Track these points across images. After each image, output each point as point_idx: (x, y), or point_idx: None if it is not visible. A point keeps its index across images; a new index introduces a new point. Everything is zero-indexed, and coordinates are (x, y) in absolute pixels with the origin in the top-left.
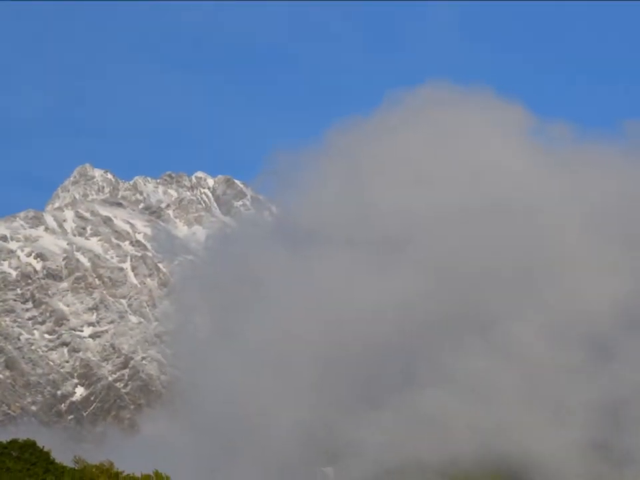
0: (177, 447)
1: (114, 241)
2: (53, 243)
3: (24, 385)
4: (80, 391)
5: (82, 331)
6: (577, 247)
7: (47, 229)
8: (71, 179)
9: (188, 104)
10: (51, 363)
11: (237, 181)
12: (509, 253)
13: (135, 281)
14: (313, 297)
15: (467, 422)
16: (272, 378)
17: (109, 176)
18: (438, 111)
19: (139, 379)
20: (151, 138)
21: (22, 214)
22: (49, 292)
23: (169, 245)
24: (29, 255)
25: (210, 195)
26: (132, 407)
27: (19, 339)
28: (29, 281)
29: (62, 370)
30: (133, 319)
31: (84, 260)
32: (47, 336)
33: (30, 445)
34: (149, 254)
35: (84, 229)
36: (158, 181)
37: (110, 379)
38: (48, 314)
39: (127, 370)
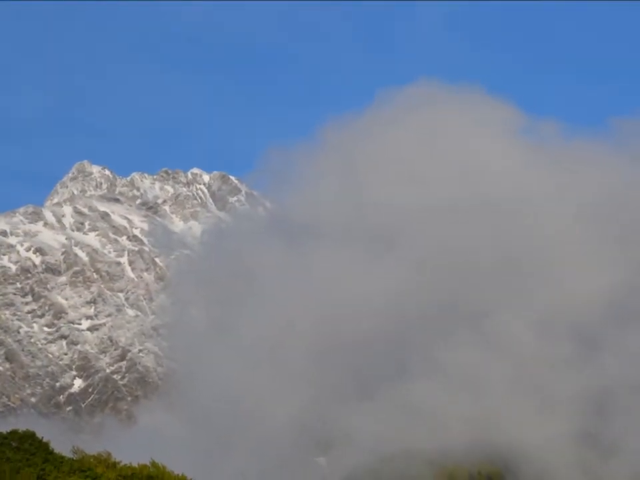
0: (173, 438)
1: (111, 235)
2: (51, 238)
3: (23, 377)
4: (78, 383)
5: (80, 324)
6: (564, 241)
7: (45, 224)
8: (70, 175)
9: (184, 102)
10: (50, 356)
11: (231, 177)
12: (499, 247)
13: (132, 275)
14: (306, 291)
15: (458, 412)
16: (266, 370)
17: (107, 172)
18: (429, 109)
19: (136, 371)
20: (148, 135)
21: (21, 209)
22: (48, 286)
23: (166, 240)
24: (28, 249)
25: (205, 190)
26: (129, 398)
27: (18, 332)
28: (29, 275)
29: (61, 362)
30: (130, 312)
31: (82, 254)
32: (45, 329)
33: (29, 436)
34: (146, 248)
35: (82, 224)
36: (154, 177)
37: (108, 371)
38: (47, 307)
39: (125, 362)
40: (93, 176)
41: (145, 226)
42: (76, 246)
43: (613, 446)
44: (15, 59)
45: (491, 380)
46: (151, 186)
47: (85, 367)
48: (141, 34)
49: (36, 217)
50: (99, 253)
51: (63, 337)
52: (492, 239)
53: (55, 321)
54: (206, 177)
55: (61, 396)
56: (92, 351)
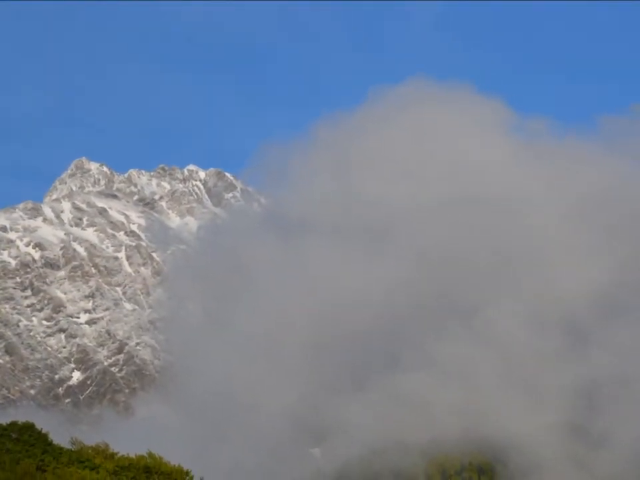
0: (169, 429)
1: (109, 231)
2: (50, 233)
3: (23, 370)
4: (77, 375)
5: (78, 318)
6: (554, 236)
7: (45, 219)
8: (68, 171)
9: (181, 100)
10: (49, 349)
11: (227, 174)
12: (489, 242)
13: (129, 269)
14: (301, 285)
15: (449, 404)
16: (261, 362)
17: (105, 169)
18: (421, 107)
19: (134, 364)
20: (145, 132)
21: (21, 205)
22: (47, 280)
23: (162, 235)
24: (27, 244)
25: (201, 187)
26: (126, 390)
27: (18, 326)
28: (28, 269)
29: (59, 355)
30: (128, 306)
31: (80, 249)
32: (45, 322)
33: (29, 427)
34: (143, 244)
35: (80, 219)
36: (151, 173)
37: (105, 363)
38: (46, 301)
39: (122, 355)
40: (91, 172)
41: (142, 221)
42: (74, 241)
43: (601, 437)
44: (15, 58)
45: (482, 372)
46: (147, 182)
47: (83, 360)
48: (139, 33)
49: (35, 212)
50: (97, 248)
51: (62, 330)
52: (483, 235)
53: (54, 315)
54: (202, 174)
55: (60, 388)
56: (90, 344)
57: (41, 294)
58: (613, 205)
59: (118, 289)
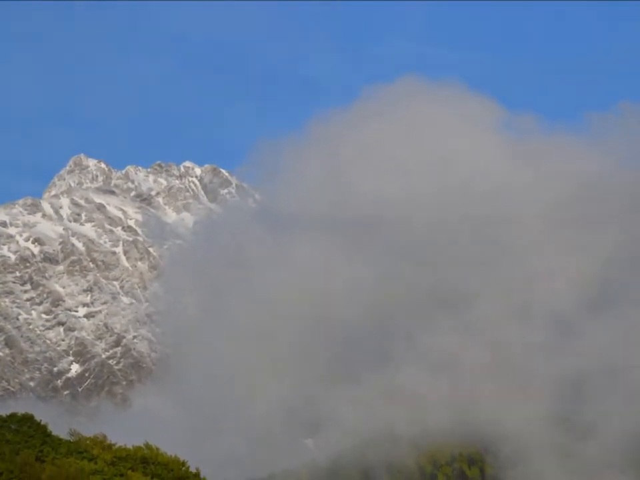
0: (166, 420)
1: (107, 226)
2: (49, 229)
3: (22, 362)
4: (75, 368)
5: (77, 311)
6: (541, 230)
7: (44, 215)
8: (67, 168)
9: (177, 98)
10: (48, 342)
11: (222, 170)
12: (478, 236)
13: (126, 264)
14: (294, 279)
15: (439, 396)
16: (255, 355)
17: (102, 165)
18: (413, 105)
19: (131, 357)
20: (142, 129)
21: (20, 201)
22: (46, 274)
23: (159, 231)
24: (27, 239)
25: (197, 183)
26: (124, 382)
27: (17, 319)
28: (27, 264)
29: (58, 348)
30: (125, 299)
31: (79, 244)
32: (44, 316)
33: (28, 419)
34: (140, 239)
35: (79, 215)
36: (148, 170)
37: (103, 356)
38: (45, 295)
39: (119, 348)
40: (89, 169)
41: (139, 217)
42: (73, 236)
43: (588, 427)
44: (14, 55)
45: (471, 365)
46: (144, 178)
47: (81, 353)
48: (135, 31)
49: (34, 208)
50: (95, 243)
51: (61, 323)
52: (471, 228)
53: (53, 309)
54: (198, 170)
55: (59, 380)
56: (88, 337)
57: (40, 288)
58: (600, 199)
59: (115, 283)
